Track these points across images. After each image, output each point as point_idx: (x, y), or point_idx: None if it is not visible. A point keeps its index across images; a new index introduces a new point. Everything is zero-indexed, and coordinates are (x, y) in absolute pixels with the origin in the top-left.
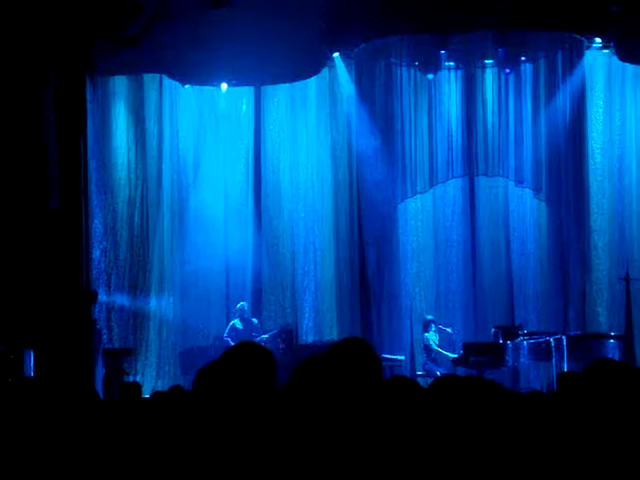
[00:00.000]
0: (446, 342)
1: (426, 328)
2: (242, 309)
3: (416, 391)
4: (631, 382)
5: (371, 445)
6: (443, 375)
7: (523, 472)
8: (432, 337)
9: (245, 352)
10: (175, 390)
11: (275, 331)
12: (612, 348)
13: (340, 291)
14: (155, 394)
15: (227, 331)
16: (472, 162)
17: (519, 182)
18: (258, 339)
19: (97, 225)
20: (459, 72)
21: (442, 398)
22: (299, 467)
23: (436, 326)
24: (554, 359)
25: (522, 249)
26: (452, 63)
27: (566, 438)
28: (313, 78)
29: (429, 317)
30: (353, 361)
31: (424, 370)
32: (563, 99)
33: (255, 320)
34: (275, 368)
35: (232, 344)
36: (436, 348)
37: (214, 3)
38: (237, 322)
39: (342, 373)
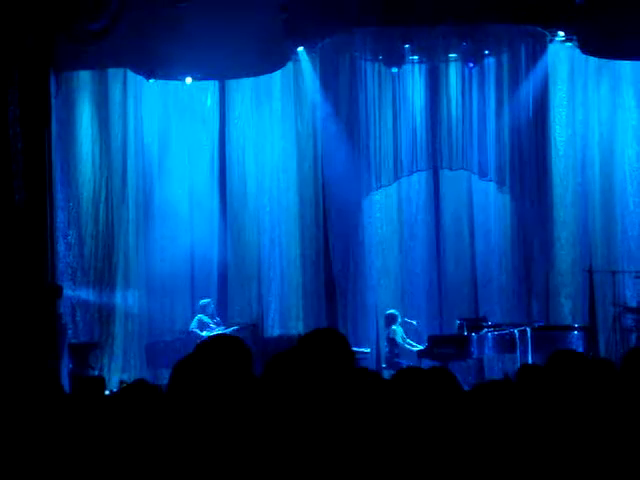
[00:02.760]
0: (411, 335)
1: (389, 323)
2: (206, 306)
3: (378, 383)
4: (588, 373)
5: (342, 435)
6: (406, 367)
7: (481, 462)
8: (399, 330)
9: (221, 344)
10: (139, 383)
11: (237, 327)
12: (576, 339)
13: (306, 284)
14: (121, 388)
15: (195, 324)
16: (436, 155)
17: (483, 175)
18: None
19: (62, 219)
20: (423, 66)
21: (404, 389)
22: (276, 457)
23: (400, 321)
24: (518, 351)
25: (486, 242)
26: (416, 57)
27: (525, 428)
28: (278, 72)
29: (392, 311)
30: (326, 351)
31: (388, 363)
32: (526, 92)
33: (218, 319)
34: (251, 359)
35: (202, 336)
36: (401, 342)
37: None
38: (203, 317)
39: (315, 363)
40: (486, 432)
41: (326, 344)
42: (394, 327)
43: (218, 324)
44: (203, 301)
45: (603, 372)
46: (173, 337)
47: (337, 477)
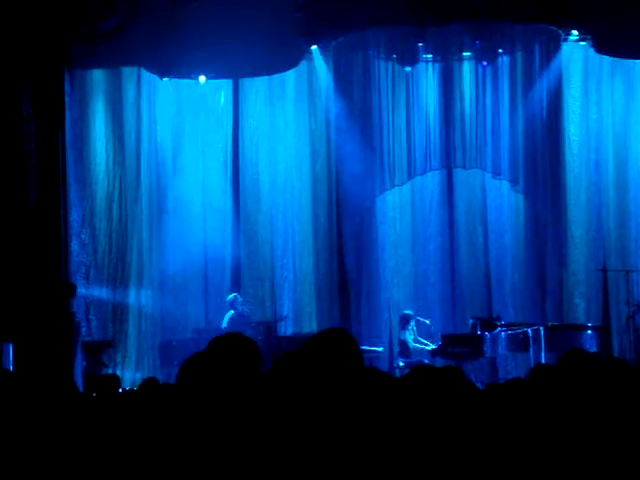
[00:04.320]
0: (424, 334)
1: (403, 324)
2: (234, 300)
3: (387, 382)
4: (601, 372)
5: (350, 435)
6: (418, 365)
7: (494, 461)
8: (409, 336)
9: (230, 343)
10: (149, 382)
11: (255, 331)
12: (589, 339)
13: (319, 283)
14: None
15: (226, 321)
16: (450, 154)
17: (496, 174)
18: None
19: (75, 218)
20: (437, 65)
21: (417, 388)
22: (282, 455)
23: (414, 320)
24: (532, 350)
25: (500, 241)
26: (430, 55)
27: (538, 428)
28: (291, 71)
29: (407, 312)
30: (334, 351)
31: (401, 362)
32: (540, 91)
33: (247, 309)
34: (260, 358)
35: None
36: (413, 345)
37: None
38: (232, 313)
39: (323, 362)
40: (499, 431)
41: (334, 344)
42: (406, 332)
43: (246, 319)
44: (229, 297)
45: (616, 372)
46: (186, 336)
47: (340, 474)
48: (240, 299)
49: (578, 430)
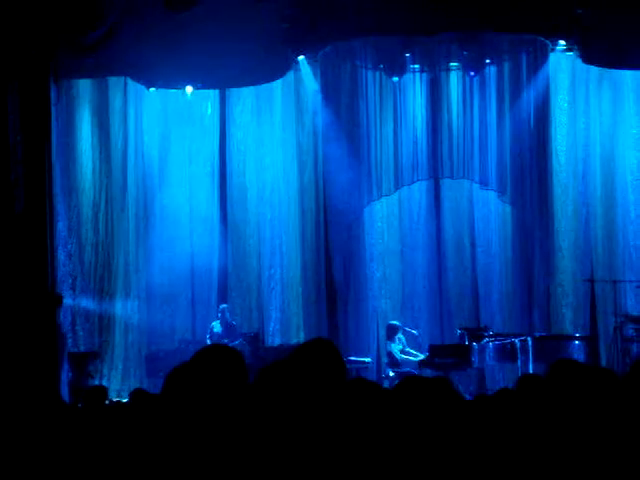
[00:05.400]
0: (412, 344)
1: (390, 335)
2: (223, 311)
3: (375, 392)
4: (590, 382)
5: (334, 446)
6: (408, 375)
7: (482, 472)
8: (396, 347)
9: (215, 354)
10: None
11: (241, 339)
12: (577, 349)
13: (306, 294)
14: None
15: (210, 332)
16: (437, 165)
17: (484, 184)
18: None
19: (62, 228)
20: (424, 75)
21: (406, 398)
22: (268, 465)
23: (402, 331)
24: (519, 360)
25: (487, 251)
26: (417, 66)
27: (526, 438)
28: (278, 81)
29: (394, 322)
30: (317, 362)
31: (390, 373)
32: (527, 102)
33: (234, 322)
34: (245, 370)
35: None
36: (400, 356)
37: (177, 7)
38: (217, 324)
39: (306, 373)
40: (488, 442)
41: (316, 355)
42: (392, 344)
43: (234, 333)
44: (223, 305)
45: (605, 382)
46: (173, 347)
47: None
48: (227, 312)
49: (566, 440)
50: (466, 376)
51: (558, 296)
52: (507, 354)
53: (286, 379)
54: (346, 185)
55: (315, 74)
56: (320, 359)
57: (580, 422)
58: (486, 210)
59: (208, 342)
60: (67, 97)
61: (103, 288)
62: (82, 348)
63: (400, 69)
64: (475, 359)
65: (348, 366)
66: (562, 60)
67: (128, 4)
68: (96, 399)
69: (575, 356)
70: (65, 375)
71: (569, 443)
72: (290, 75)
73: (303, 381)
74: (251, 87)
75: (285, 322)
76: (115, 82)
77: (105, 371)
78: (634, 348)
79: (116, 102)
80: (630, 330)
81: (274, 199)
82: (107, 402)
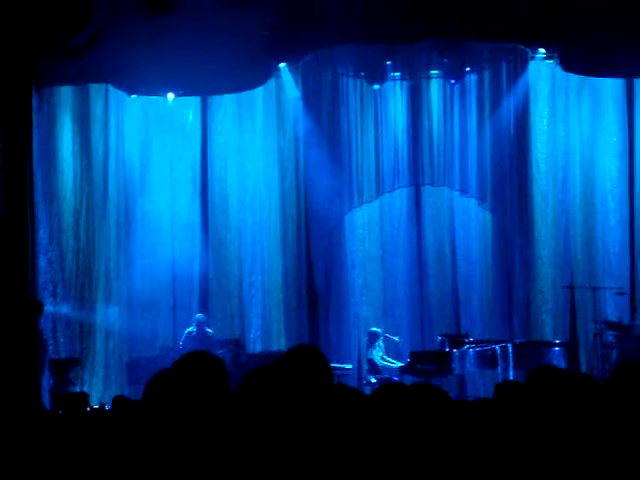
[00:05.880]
0: (393, 351)
1: (371, 342)
2: (200, 319)
3: (357, 399)
4: (570, 388)
5: (320, 451)
6: (386, 382)
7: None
8: (376, 354)
9: (196, 361)
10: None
11: (225, 349)
12: (557, 356)
13: (288, 300)
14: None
15: (183, 339)
16: (418, 172)
17: (464, 192)
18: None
19: (43, 235)
20: (405, 83)
21: (386, 405)
22: (251, 471)
23: (383, 338)
24: (500, 367)
25: (467, 258)
26: (398, 74)
27: (507, 445)
28: (260, 88)
29: (375, 329)
30: (304, 368)
31: (372, 379)
32: (507, 109)
33: (211, 331)
34: (226, 377)
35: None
36: (381, 362)
37: (158, 13)
38: (193, 331)
39: (293, 379)
40: (469, 447)
41: (304, 361)
42: (373, 350)
43: (210, 341)
44: (196, 316)
45: (585, 388)
46: (154, 353)
47: None
48: (203, 320)
49: (545, 445)
50: (447, 382)
51: (538, 303)
52: (487, 361)
53: (273, 385)
54: (327, 192)
55: (296, 81)
56: (307, 365)
57: (560, 428)
58: (466, 217)
59: (182, 347)
60: (48, 104)
61: (84, 295)
62: (63, 355)
63: (381, 77)
64: (456, 366)
65: None
66: (542, 68)
67: (111, 10)
68: (77, 406)
69: (555, 362)
70: (46, 382)
71: (550, 448)
72: (271, 82)
73: (291, 386)
74: (232, 94)
75: (266, 329)
76: (96, 89)
77: (86, 378)
78: (614, 354)
79: (97, 109)
80: (610, 336)
81: (255, 206)
82: (88, 409)
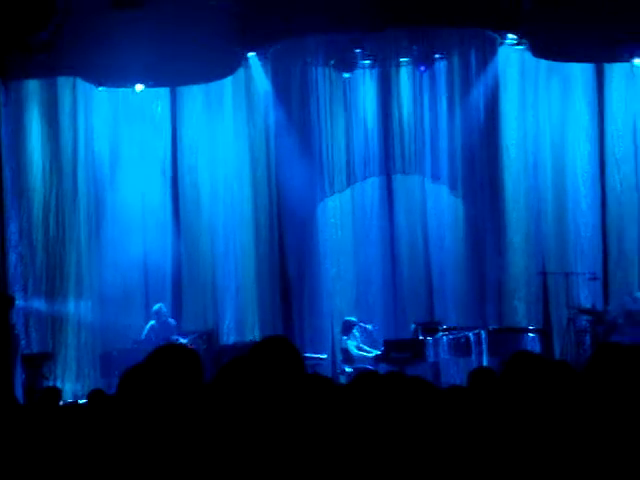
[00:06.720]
0: (367, 339)
1: (346, 331)
2: (159, 311)
3: (330, 388)
4: (547, 374)
5: (294, 441)
6: (362, 371)
7: (438, 466)
8: (351, 343)
9: (170, 353)
10: (94, 393)
11: (195, 335)
12: (531, 342)
13: (261, 291)
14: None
15: (145, 333)
16: (389, 160)
17: (435, 179)
18: (178, 341)
19: (12, 230)
20: (374, 71)
21: (361, 394)
22: (226, 463)
23: (357, 327)
24: (474, 354)
25: (440, 245)
26: (367, 62)
27: (484, 433)
28: (229, 78)
29: (350, 318)
30: (275, 358)
31: (347, 368)
32: (477, 96)
33: (173, 321)
34: (201, 368)
35: (151, 345)
36: (356, 352)
37: (125, 5)
38: (154, 324)
39: (264, 370)
40: (444, 435)
41: (275, 352)
42: (348, 340)
43: (173, 330)
44: (155, 307)
45: (561, 373)
46: (127, 346)
47: None
48: (165, 310)
49: (520, 432)
50: (421, 370)
51: (511, 289)
52: (461, 348)
53: (246, 376)
54: (299, 182)
55: (266, 71)
56: (278, 355)
57: (536, 414)
58: (438, 205)
59: (146, 340)
60: (16, 98)
61: (55, 289)
62: (35, 349)
63: (350, 65)
64: (430, 353)
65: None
66: (511, 54)
67: (76, 5)
68: (50, 400)
69: (529, 348)
70: (19, 377)
71: (525, 435)
72: (240, 72)
73: (262, 377)
74: (202, 85)
75: (240, 320)
76: (64, 82)
77: (59, 372)
78: (587, 339)
79: (65, 102)
80: (583, 322)
81: (227, 197)
82: (61, 403)
